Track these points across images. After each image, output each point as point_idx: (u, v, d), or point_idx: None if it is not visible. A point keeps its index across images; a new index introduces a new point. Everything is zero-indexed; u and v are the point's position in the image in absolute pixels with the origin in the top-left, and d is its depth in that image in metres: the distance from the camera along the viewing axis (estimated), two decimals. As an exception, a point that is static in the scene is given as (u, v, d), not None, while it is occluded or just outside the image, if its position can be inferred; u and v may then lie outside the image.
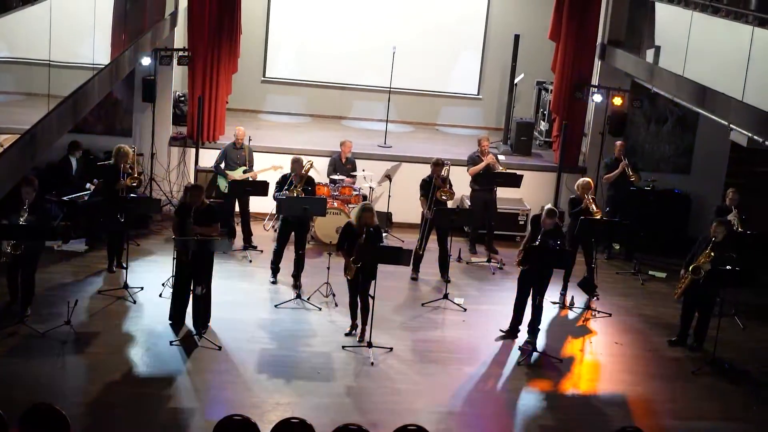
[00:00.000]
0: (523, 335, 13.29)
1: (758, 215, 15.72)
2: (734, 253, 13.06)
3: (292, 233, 14.48)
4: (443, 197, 15.01)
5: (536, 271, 13.01)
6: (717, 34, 13.28)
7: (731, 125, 12.31)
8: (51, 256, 14.74)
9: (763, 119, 11.33)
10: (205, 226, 12.58)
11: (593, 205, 14.58)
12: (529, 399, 11.88)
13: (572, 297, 14.76)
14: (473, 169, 16.24)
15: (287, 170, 14.81)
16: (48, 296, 13.31)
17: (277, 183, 14.78)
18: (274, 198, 14.76)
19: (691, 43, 14.05)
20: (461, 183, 16.42)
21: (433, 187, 14.91)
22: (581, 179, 15.13)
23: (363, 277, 12.68)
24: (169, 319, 12.78)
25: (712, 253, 12.91)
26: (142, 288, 13.79)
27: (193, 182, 16.56)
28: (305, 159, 14.83)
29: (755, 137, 11.59)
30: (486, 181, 16.17)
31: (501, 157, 17.51)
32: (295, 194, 14.33)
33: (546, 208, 13.20)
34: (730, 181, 17.62)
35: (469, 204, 16.72)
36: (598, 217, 14.51)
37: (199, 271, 12.48)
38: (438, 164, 15.05)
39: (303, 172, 14.55)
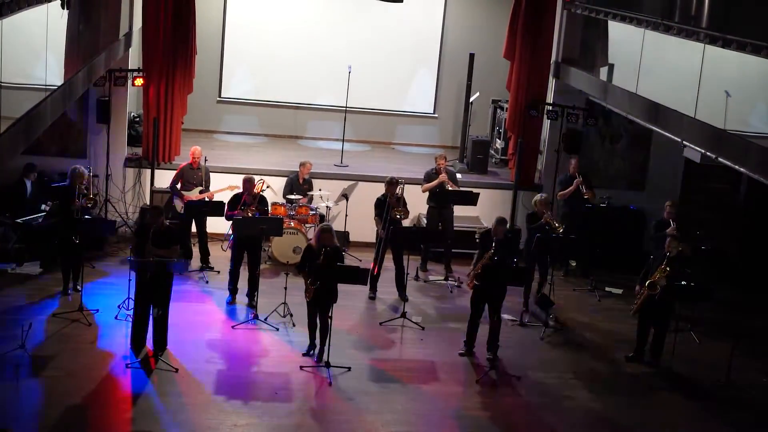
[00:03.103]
0: (480, 353, 13.32)
1: (712, 231, 15.87)
2: (689, 269, 13.17)
3: (245, 253, 14.46)
4: (398, 216, 15.00)
5: (490, 289, 13.05)
6: (669, 52, 13.43)
7: (684, 142, 12.42)
8: (5, 279, 14.59)
9: (716, 135, 11.46)
10: (164, 248, 12.48)
11: (554, 222, 14.63)
12: (488, 417, 11.87)
13: (529, 314, 14.83)
14: (426, 186, 16.30)
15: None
16: (1, 320, 13.16)
17: (229, 203, 14.73)
18: (227, 218, 14.72)
19: (643, 61, 14.19)
20: (417, 201, 16.45)
21: (388, 206, 14.91)
22: (538, 195, 15.19)
23: (322, 298, 12.64)
24: (130, 341, 12.66)
25: (668, 269, 13.02)
26: (97, 310, 13.66)
27: (149, 203, 16.50)
28: (257, 178, 14.80)
29: (708, 153, 11.69)
30: (441, 199, 16.22)
31: (458, 176, 17.55)
32: (249, 214, 14.29)
33: (497, 217, 13.29)
34: (685, 197, 17.79)
35: (426, 221, 16.74)
36: (560, 230, 14.56)
37: (158, 293, 12.39)
38: (392, 183, 15.06)
39: (255, 191, 14.51)
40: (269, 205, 15.31)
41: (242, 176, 15.08)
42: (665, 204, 15.21)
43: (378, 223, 15.07)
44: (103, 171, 16.88)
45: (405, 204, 15.16)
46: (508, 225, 13.35)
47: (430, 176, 16.38)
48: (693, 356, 13.96)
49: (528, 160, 18.20)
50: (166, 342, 12.69)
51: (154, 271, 12.22)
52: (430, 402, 12.07)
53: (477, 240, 13.58)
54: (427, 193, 16.35)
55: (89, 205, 14.22)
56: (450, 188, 16.21)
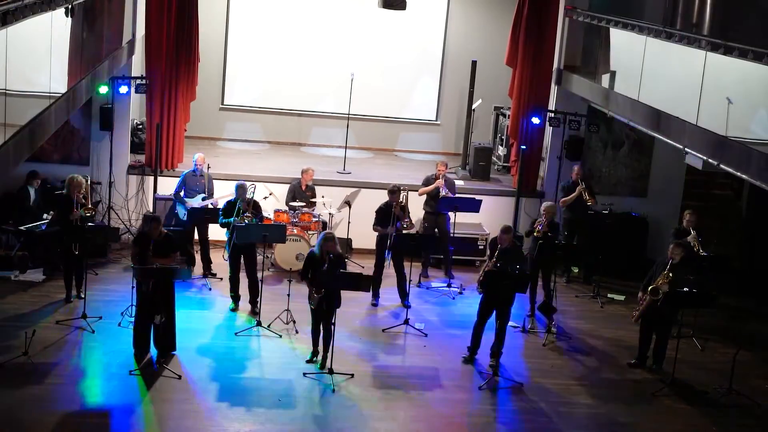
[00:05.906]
0: (483, 359, 13.32)
1: (714, 237, 15.86)
2: (692, 275, 13.17)
3: (242, 258, 14.46)
4: (404, 227, 15.00)
5: (497, 296, 13.05)
6: (671, 59, 13.46)
7: (686, 148, 12.46)
8: (8, 286, 14.61)
9: (717, 142, 11.49)
10: (164, 257, 12.51)
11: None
12: (491, 423, 11.88)
13: (532, 320, 14.84)
14: (422, 189, 16.40)
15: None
16: (5, 327, 13.18)
17: (223, 209, 14.71)
18: (221, 224, 14.70)
19: (645, 68, 14.22)
20: (418, 208, 16.47)
21: (393, 216, 14.89)
22: (545, 204, 15.27)
23: (326, 305, 12.65)
24: (133, 348, 12.67)
25: (671, 275, 13.01)
26: (100, 317, 13.67)
27: (151, 211, 16.51)
28: (249, 184, 14.76)
29: (710, 160, 11.73)
30: (443, 205, 16.24)
31: (460, 182, 17.62)
32: (246, 221, 14.24)
33: (503, 225, 13.34)
34: (687, 203, 17.79)
35: (423, 227, 16.72)
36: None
37: (160, 300, 12.41)
38: (394, 191, 15.03)
39: (247, 197, 14.48)
40: (272, 212, 15.28)
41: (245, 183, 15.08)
42: (685, 213, 15.24)
43: (378, 231, 15.04)
44: (107, 178, 16.90)
45: (408, 213, 15.16)
46: (513, 233, 13.36)
47: (429, 181, 16.46)
48: (696, 362, 13.97)
49: (530, 167, 18.22)
50: (174, 347, 12.76)
51: (155, 279, 12.25)
52: (432, 408, 12.07)
53: (481, 247, 13.62)
54: (423, 198, 16.44)
55: (88, 215, 14.18)
56: (443, 195, 16.21)
